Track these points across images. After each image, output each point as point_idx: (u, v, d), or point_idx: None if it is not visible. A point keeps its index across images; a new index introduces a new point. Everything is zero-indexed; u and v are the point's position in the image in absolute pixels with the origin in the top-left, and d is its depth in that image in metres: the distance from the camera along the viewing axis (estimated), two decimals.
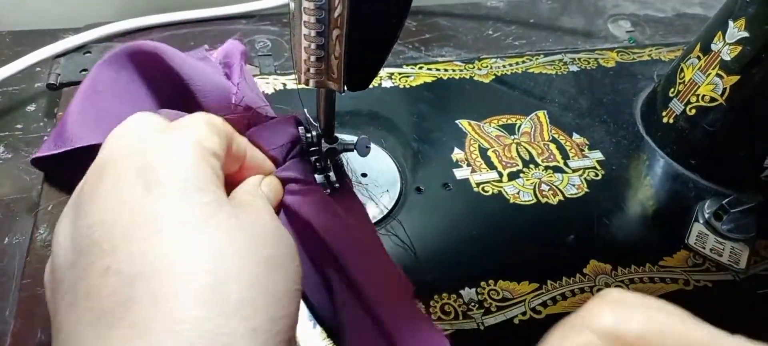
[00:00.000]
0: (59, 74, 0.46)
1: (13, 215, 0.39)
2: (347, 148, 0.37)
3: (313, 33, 0.28)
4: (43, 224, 0.36)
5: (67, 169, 0.37)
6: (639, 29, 0.60)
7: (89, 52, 0.49)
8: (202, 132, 0.25)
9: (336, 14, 0.27)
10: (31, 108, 0.46)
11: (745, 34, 0.39)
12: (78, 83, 0.40)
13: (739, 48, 0.39)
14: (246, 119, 0.36)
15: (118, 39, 0.51)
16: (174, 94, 0.38)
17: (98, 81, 0.39)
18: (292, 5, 0.28)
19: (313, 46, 0.28)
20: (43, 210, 0.37)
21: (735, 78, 0.39)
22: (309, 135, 0.37)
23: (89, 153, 0.36)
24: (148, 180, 0.22)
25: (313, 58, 0.29)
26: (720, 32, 0.40)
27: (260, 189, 0.30)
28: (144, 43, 0.39)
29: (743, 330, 0.35)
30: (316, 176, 0.37)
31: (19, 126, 0.45)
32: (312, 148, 0.37)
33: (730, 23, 0.40)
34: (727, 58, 0.40)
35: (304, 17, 0.27)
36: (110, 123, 0.37)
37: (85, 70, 0.47)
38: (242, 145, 0.29)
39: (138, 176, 0.22)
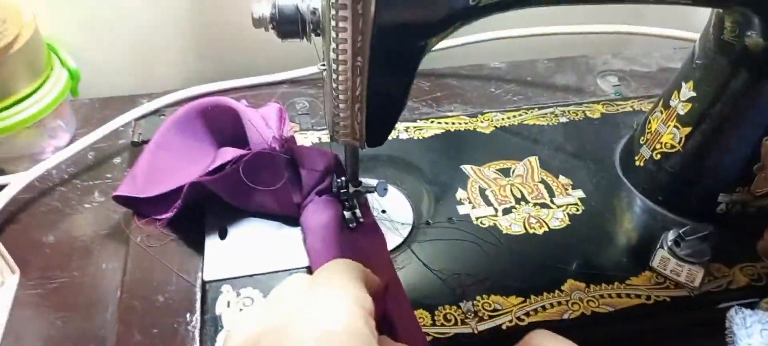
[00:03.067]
0: (141, 133, 0.57)
1: (107, 245, 0.49)
2: (369, 190, 0.46)
3: (341, 106, 0.37)
4: (132, 252, 0.46)
5: (143, 207, 0.48)
6: (625, 83, 0.68)
7: (163, 114, 0.60)
8: (358, 293, 0.29)
9: (357, 93, 0.36)
10: (117, 160, 0.57)
11: (694, 94, 0.47)
12: None
13: (690, 105, 0.47)
14: (286, 147, 0.46)
15: (186, 103, 0.62)
16: (229, 135, 0.49)
17: (165, 138, 0.50)
18: (326, 84, 0.38)
19: (341, 115, 0.38)
20: (133, 242, 0.47)
21: (688, 129, 0.47)
22: (339, 180, 0.46)
23: (157, 198, 0.46)
24: None
25: (341, 124, 0.38)
26: (676, 91, 0.48)
27: None
28: (208, 99, 0.50)
29: (695, 338, 0.42)
30: (344, 213, 0.47)
31: (108, 175, 0.55)
32: (341, 191, 0.46)
33: (683, 84, 0.48)
34: (682, 112, 0.48)
35: (334, 94, 0.37)
36: (172, 177, 0.47)
37: None
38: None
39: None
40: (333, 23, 0.32)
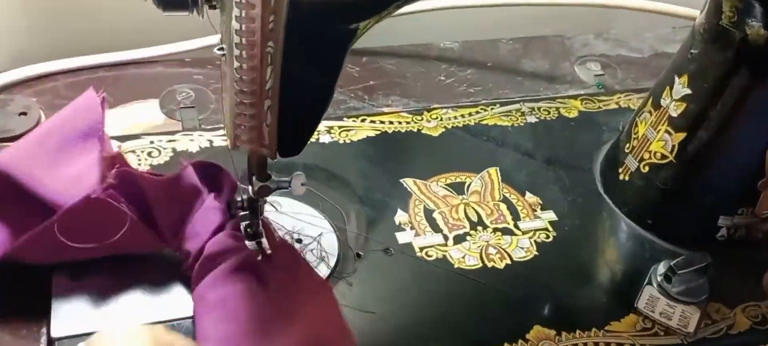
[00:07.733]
0: None
1: None
2: (282, 185, 0.47)
3: (244, 103, 0.39)
4: None
5: None
6: (610, 72, 0.74)
7: None
8: None
9: (267, 87, 0.39)
10: None
11: (689, 91, 0.53)
12: None
13: (684, 105, 0.53)
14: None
15: (18, 88, 0.62)
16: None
17: None
18: (226, 75, 0.40)
19: (243, 114, 0.40)
20: None
21: (682, 135, 0.53)
22: (239, 199, 0.49)
23: None
24: None
25: (243, 126, 0.41)
26: (668, 87, 0.54)
27: None
28: None
29: None
30: (247, 242, 0.49)
31: None
32: (242, 213, 0.49)
33: (676, 78, 0.54)
34: (675, 114, 0.53)
35: (236, 88, 0.39)
36: None
37: None
38: None
39: None
40: None
